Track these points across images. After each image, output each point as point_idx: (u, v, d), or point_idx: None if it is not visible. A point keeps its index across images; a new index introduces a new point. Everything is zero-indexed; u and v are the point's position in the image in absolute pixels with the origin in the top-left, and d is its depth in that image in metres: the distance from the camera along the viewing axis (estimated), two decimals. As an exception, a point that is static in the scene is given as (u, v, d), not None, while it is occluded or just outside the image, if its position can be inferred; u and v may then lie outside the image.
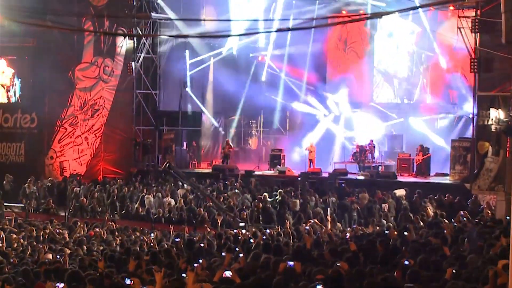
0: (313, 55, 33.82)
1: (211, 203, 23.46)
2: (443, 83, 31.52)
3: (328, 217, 20.73)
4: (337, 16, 31.59)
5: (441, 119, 31.43)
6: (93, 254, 14.45)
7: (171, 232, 18.39)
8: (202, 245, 14.02)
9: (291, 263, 9.89)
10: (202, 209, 23.36)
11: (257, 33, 30.25)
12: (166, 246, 14.76)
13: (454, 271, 9.50)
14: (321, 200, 24.22)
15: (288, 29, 20.24)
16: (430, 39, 31.17)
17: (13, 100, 34.61)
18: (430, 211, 22.18)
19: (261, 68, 34.89)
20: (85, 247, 15.64)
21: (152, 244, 15.90)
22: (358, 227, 18.15)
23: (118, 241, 16.71)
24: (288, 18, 31.42)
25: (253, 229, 18.45)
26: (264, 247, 12.76)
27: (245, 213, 22.32)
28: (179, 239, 15.65)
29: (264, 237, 15.23)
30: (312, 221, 19.79)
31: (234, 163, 31.96)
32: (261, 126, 35.63)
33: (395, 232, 15.11)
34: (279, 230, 18.12)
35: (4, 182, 28.64)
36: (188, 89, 34.38)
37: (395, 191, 24.60)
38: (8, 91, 34.76)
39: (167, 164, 20.37)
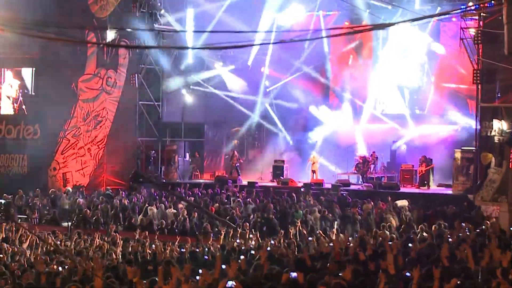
0: (318, 66, 33.87)
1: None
2: (451, 94, 31.44)
3: (334, 230, 20.66)
4: (340, 28, 31.64)
5: (449, 130, 31.34)
6: (96, 265, 14.41)
7: (175, 243, 18.34)
8: (206, 257, 13.99)
9: (294, 274, 9.86)
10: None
11: (261, 44, 30.36)
12: (168, 257, 14.73)
13: (458, 282, 9.46)
14: (325, 211, 24.18)
15: (291, 41, 20.24)
16: (440, 49, 31.20)
17: (19, 111, 34.69)
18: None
19: (264, 79, 34.92)
20: (87, 259, 15.61)
21: (155, 255, 15.87)
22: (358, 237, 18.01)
23: (120, 252, 16.69)
24: (292, 30, 31.51)
25: (258, 240, 18.42)
26: (268, 258, 12.72)
27: (247, 224, 22.26)
28: (184, 250, 15.64)
29: (268, 248, 15.18)
30: (317, 232, 19.77)
31: (235, 173, 31.95)
32: (264, 137, 35.64)
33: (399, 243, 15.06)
34: (283, 241, 18.06)
35: (17, 196, 28.61)
36: (189, 100, 34.50)
37: (397, 201, 24.56)
38: (14, 102, 34.83)
39: (135, 173, 19.64)
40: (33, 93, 34.19)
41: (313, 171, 30.82)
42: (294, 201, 25.65)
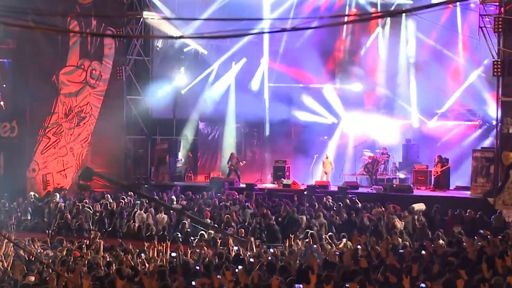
0: (321, 58, 33.84)
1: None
2: (469, 88, 31.46)
3: (326, 236, 20.68)
4: (345, 15, 31.66)
5: (467, 127, 31.35)
6: (80, 275, 14.39)
7: (166, 251, 18.33)
8: (198, 268, 13.97)
9: (300, 286, 9.87)
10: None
11: (260, 33, 30.29)
12: (159, 267, 14.70)
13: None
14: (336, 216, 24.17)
15: (293, 29, 20.23)
16: (452, 39, 31.20)
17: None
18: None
19: (263, 70, 34.91)
20: (70, 268, 15.58)
21: (143, 264, 15.86)
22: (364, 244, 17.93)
23: (105, 262, 16.67)
24: (291, 18, 31.48)
25: (255, 247, 18.42)
26: (268, 267, 12.73)
27: (243, 230, 22.20)
28: (175, 258, 15.65)
29: (269, 257, 15.20)
30: (324, 238, 19.78)
31: (234, 175, 31.92)
32: (263, 135, 35.60)
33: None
34: (284, 249, 18.06)
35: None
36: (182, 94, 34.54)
37: (414, 205, 24.51)
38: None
39: (85, 170, 17.95)
40: (9, 87, 34.13)
41: (326, 173, 30.72)
42: (296, 204, 25.69)
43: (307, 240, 19.22)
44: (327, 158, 31.08)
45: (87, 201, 27.83)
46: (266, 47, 34.61)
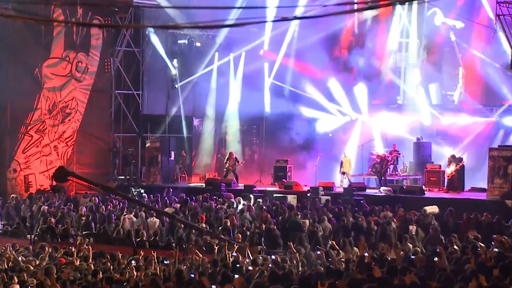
0: (326, 49, 33.82)
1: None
2: (485, 82, 31.45)
3: (333, 242, 20.68)
4: (352, 3, 31.58)
5: (484, 124, 31.37)
6: (66, 284, 14.40)
7: (157, 258, 18.32)
8: (192, 275, 13.97)
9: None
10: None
11: (259, 22, 30.21)
12: (150, 275, 14.70)
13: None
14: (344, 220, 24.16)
15: (295, 18, 20.11)
16: (468, 29, 31.20)
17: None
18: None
19: (263, 64, 34.90)
20: (54, 277, 15.57)
21: (133, 273, 15.85)
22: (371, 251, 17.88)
23: (92, 269, 16.67)
24: (295, 6, 31.49)
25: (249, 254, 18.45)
26: (270, 276, 12.72)
27: (239, 235, 22.17)
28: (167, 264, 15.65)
29: (269, 265, 15.20)
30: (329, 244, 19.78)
31: (232, 176, 31.91)
32: (263, 132, 35.59)
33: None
34: (286, 255, 18.05)
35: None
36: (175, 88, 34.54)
37: (426, 207, 24.49)
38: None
39: (59, 170, 17.85)
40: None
41: (343, 173, 30.51)
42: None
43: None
44: (345, 156, 30.80)
45: (72, 204, 27.78)
46: (268, 38, 34.59)
